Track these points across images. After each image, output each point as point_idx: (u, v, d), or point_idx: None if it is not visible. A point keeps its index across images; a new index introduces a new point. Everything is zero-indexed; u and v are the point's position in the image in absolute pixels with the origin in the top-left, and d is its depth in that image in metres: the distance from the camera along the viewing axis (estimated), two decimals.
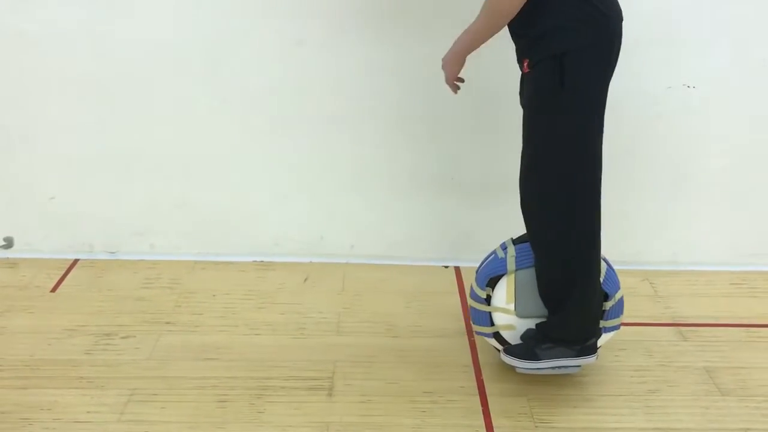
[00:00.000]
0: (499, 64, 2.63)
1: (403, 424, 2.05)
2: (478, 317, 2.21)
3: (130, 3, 2.60)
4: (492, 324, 2.19)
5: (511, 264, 2.15)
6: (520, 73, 2.02)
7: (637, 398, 2.16)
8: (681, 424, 2.07)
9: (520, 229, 2.89)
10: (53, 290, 2.66)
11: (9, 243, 2.87)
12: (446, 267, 2.87)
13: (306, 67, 2.66)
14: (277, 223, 2.87)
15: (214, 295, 2.64)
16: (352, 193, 2.82)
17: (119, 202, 2.82)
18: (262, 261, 2.87)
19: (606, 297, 2.14)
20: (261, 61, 2.67)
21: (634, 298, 2.67)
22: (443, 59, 2.05)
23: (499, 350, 2.21)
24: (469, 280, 2.73)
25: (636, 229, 2.86)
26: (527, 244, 2.14)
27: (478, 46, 1.98)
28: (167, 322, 2.48)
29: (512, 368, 2.15)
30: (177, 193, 2.82)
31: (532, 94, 1.95)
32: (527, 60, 1.93)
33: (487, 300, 2.18)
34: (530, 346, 2.11)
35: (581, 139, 1.93)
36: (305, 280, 2.77)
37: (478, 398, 2.15)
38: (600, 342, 2.17)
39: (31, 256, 2.84)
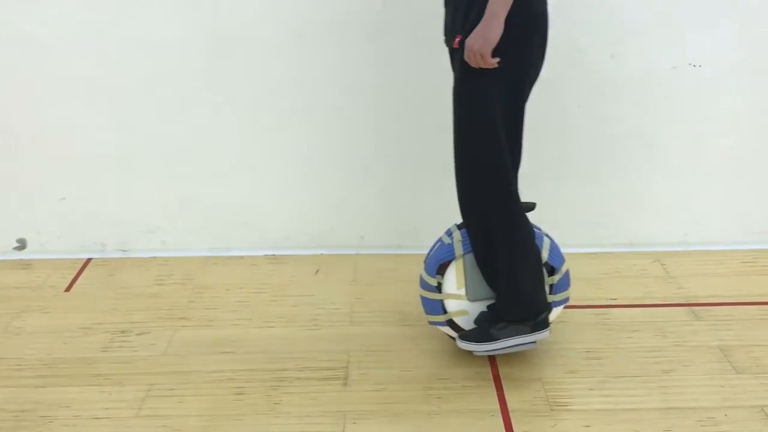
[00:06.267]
0: None
1: (419, 410, 2.07)
2: (430, 306, 2.20)
3: (133, 4, 2.61)
4: (445, 312, 2.19)
5: (458, 249, 2.15)
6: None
7: (652, 379, 2.17)
8: (697, 403, 2.07)
9: (529, 213, 2.90)
10: (67, 290, 2.68)
11: (22, 244, 2.89)
12: None
13: (309, 59, 2.67)
14: (287, 217, 2.89)
15: (227, 290, 2.66)
16: (361, 184, 2.83)
17: (129, 200, 2.84)
18: (273, 254, 2.89)
19: (552, 271, 2.16)
20: (264, 56, 2.67)
21: (645, 280, 2.68)
22: (473, 36, 1.86)
23: (453, 338, 2.22)
24: None
25: (646, 211, 2.86)
26: None
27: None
28: (181, 318, 2.50)
29: (470, 353, 2.18)
30: (186, 190, 2.83)
31: (460, 68, 1.96)
32: (460, 36, 1.92)
33: (438, 287, 2.17)
34: (485, 329, 2.13)
35: (508, 108, 1.96)
36: (317, 272, 2.78)
37: (492, 383, 2.16)
38: (551, 317, 2.19)
39: (44, 257, 2.87)
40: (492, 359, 2.26)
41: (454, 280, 2.17)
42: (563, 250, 2.84)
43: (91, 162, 2.79)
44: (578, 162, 2.80)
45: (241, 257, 2.86)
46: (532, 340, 2.14)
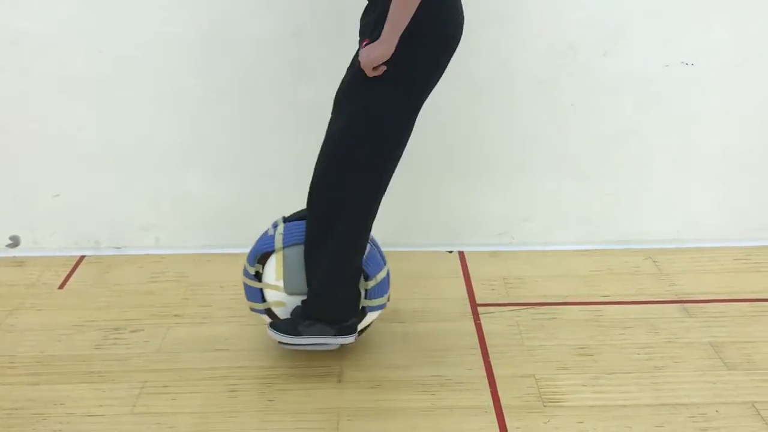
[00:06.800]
0: (494, 53, 2.64)
1: (413, 407, 2.07)
2: (250, 293, 2.23)
3: (127, 1, 2.59)
4: (264, 300, 2.22)
5: (278, 241, 2.17)
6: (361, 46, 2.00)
7: (644, 375, 2.18)
8: (688, 399, 2.08)
9: (522, 211, 2.92)
10: (61, 287, 2.68)
11: (15, 242, 2.89)
12: (450, 252, 2.89)
13: (305, 57, 2.67)
14: (281, 213, 2.87)
15: (221, 287, 2.66)
16: None
17: (123, 197, 2.84)
18: None
19: (366, 277, 2.16)
20: (259, 53, 2.67)
21: (638, 277, 2.69)
22: (365, 50, 1.91)
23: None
24: (473, 265, 2.77)
25: (638, 208, 2.87)
26: (296, 222, 2.19)
27: (406, 24, 1.87)
28: (175, 315, 2.50)
29: (278, 343, 2.20)
30: (180, 187, 2.83)
31: (358, 69, 1.96)
32: (368, 40, 1.94)
33: (257, 276, 2.20)
34: (294, 322, 2.17)
35: (391, 119, 1.97)
36: None
37: (486, 380, 2.17)
38: (366, 321, 2.21)
39: (37, 254, 2.86)
40: (485, 356, 2.27)
41: (273, 272, 2.19)
42: (556, 247, 2.88)
43: (84, 159, 2.79)
44: (571, 159, 2.81)
45: (236, 254, 2.86)
46: (335, 343, 2.17)
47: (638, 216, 2.87)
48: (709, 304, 2.52)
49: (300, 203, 2.87)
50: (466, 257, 2.83)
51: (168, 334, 2.40)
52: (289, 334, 2.16)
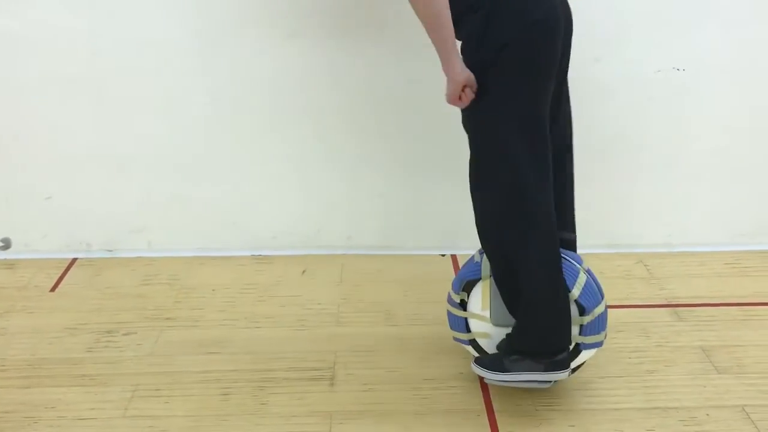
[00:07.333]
0: None
1: (406, 411, 2.08)
2: (454, 322, 2.13)
3: (120, 1, 2.59)
4: (468, 330, 2.12)
5: (485, 269, 2.04)
6: None
7: (635, 379, 2.19)
8: (679, 403, 2.10)
9: None
10: (52, 290, 2.67)
11: (7, 244, 2.88)
12: (443, 255, 2.89)
13: (299, 59, 2.67)
14: (274, 217, 2.89)
15: (213, 290, 2.66)
16: (348, 184, 2.83)
17: (116, 200, 2.83)
18: (260, 255, 2.89)
19: (582, 311, 2.00)
20: (254, 55, 2.67)
21: (629, 281, 2.70)
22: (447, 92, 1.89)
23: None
24: None
25: (629, 213, 2.89)
26: None
27: (452, 42, 1.85)
28: (168, 318, 2.49)
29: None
30: (173, 190, 2.83)
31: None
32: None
33: (462, 305, 2.10)
34: (500, 357, 2.03)
35: (512, 121, 1.87)
36: (304, 272, 2.78)
37: (478, 383, 2.17)
38: (580, 359, 2.05)
39: (29, 257, 2.85)
40: None
41: (479, 300, 2.07)
42: None
43: (77, 161, 2.78)
44: None
45: (228, 257, 2.86)
46: (546, 380, 1.99)
47: (629, 220, 2.89)
48: (699, 308, 2.54)
49: (293, 206, 2.88)
50: (459, 261, 2.84)
51: (160, 337, 2.39)
52: (495, 370, 2.01)
